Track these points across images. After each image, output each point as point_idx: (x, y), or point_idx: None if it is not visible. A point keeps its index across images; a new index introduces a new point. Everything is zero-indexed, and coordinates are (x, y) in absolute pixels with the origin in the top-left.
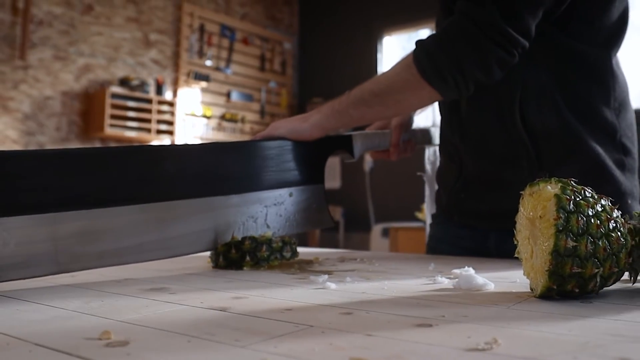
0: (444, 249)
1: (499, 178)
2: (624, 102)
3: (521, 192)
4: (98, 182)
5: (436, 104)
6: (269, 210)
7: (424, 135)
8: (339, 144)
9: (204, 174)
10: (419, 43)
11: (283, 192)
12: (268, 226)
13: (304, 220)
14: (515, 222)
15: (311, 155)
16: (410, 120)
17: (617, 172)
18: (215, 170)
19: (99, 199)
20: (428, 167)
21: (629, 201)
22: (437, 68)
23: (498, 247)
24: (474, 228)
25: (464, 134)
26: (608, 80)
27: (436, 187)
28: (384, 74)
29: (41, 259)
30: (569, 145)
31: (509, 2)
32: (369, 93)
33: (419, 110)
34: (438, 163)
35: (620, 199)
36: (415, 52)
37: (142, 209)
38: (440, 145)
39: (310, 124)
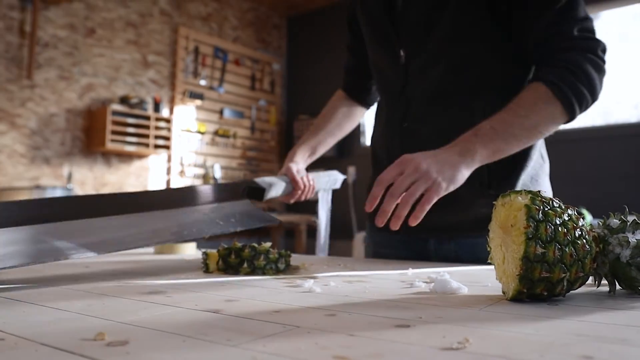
0: (388, 253)
1: (453, 196)
2: None
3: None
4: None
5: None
6: (211, 215)
7: (330, 178)
8: (254, 194)
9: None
10: (555, 78)
11: (217, 205)
12: (219, 223)
13: (247, 218)
14: (451, 230)
15: (227, 197)
16: (303, 166)
17: (544, 179)
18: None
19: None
20: (322, 213)
21: None
22: (580, 100)
23: (436, 250)
24: (416, 236)
25: None
26: None
27: (329, 231)
28: (526, 107)
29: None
30: (515, 163)
31: (595, 31)
32: (519, 128)
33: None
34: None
35: None
36: (557, 88)
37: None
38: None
39: (465, 170)
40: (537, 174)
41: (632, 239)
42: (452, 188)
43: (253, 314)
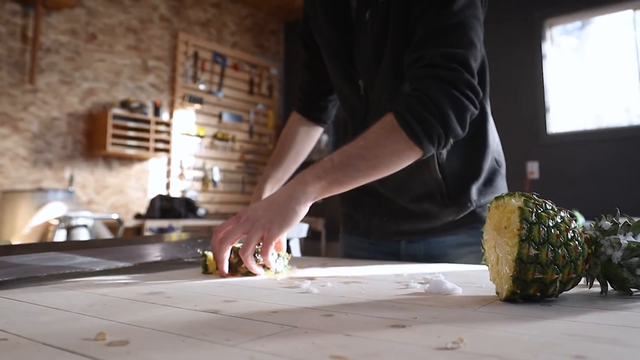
0: (362, 254)
1: (418, 209)
2: (494, 127)
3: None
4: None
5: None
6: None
7: (296, 228)
8: None
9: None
10: (400, 107)
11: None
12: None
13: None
14: (422, 233)
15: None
16: None
17: (500, 182)
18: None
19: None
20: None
21: None
22: (428, 131)
23: (406, 250)
24: (388, 239)
25: (384, 180)
26: (488, 118)
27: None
28: (368, 137)
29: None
30: (469, 175)
31: (469, 63)
32: (357, 158)
33: None
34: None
35: None
36: (401, 116)
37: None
38: None
39: (297, 207)
40: (492, 179)
41: (624, 240)
42: (287, 229)
43: (251, 314)
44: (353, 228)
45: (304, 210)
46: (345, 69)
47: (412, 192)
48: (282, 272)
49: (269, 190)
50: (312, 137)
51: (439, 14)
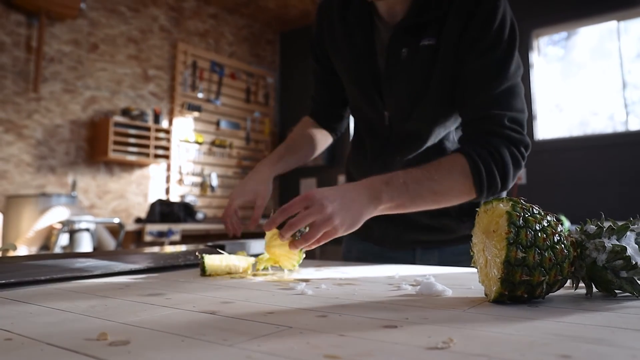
0: (357, 256)
1: (435, 224)
2: None
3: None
4: None
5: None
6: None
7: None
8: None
9: None
10: (474, 156)
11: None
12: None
13: None
14: (437, 243)
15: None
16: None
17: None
18: None
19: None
20: None
21: None
22: (490, 184)
23: (421, 257)
24: (404, 248)
25: None
26: None
27: None
28: (440, 173)
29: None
30: None
31: (525, 125)
32: (428, 191)
33: None
34: None
35: None
36: (474, 166)
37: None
38: None
39: (363, 219)
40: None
41: (608, 244)
42: (349, 231)
43: (248, 315)
44: (366, 235)
45: (366, 219)
46: (371, 98)
47: (430, 211)
48: (295, 268)
49: (267, 176)
50: (325, 143)
51: (499, 74)
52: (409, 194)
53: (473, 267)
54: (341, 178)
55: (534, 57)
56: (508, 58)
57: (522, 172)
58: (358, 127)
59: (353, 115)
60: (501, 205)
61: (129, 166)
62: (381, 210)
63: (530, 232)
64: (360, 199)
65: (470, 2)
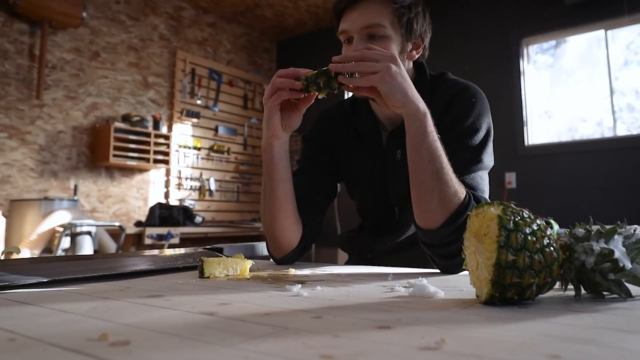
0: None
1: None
2: None
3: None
4: None
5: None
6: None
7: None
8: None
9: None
10: (473, 203)
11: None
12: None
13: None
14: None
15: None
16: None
17: None
18: None
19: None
20: None
21: None
22: (452, 225)
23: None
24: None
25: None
26: None
27: None
28: (452, 177)
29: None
30: None
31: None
32: (434, 165)
33: None
34: None
35: None
36: (469, 200)
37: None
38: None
39: (408, 95)
40: None
41: (596, 247)
42: (387, 90)
43: (245, 316)
44: (361, 250)
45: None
46: (382, 198)
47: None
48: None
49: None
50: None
51: (474, 166)
52: (430, 144)
53: (465, 269)
54: None
55: (524, 65)
56: (481, 147)
57: (512, 177)
58: (365, 216)
59: (363, 207)
60: (492, 209)
61: (129, 171)
62: (410, 116)
63: (520, 236)
64: (414, 94)
65: (449, 93)
